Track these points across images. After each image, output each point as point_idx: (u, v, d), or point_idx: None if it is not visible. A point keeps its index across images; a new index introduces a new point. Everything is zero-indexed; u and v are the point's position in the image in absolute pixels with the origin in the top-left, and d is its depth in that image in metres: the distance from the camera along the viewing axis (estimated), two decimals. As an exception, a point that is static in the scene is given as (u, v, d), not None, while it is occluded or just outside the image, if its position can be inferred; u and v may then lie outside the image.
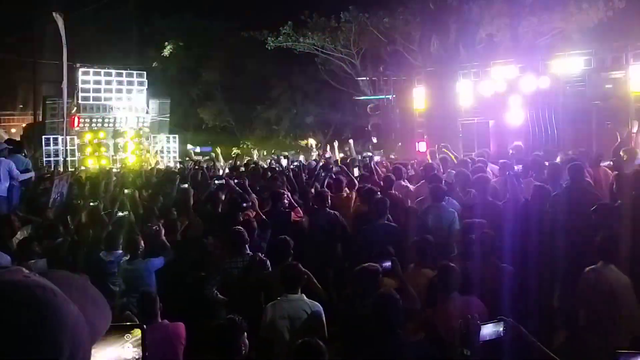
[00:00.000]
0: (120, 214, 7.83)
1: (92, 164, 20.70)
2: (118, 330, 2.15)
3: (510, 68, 14.00)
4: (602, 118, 12.19)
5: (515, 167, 9.16)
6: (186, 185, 10.02)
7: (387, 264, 5.17)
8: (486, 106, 14.41)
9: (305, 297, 5.13)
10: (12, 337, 0.85)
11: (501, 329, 3.59)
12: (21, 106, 32.34)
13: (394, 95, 17.56)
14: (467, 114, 14.77)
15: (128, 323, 2.36)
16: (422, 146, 15.40)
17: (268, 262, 6.08)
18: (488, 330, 3.56)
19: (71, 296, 0.96)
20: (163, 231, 7.15)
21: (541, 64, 13.28)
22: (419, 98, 16.13)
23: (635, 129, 11.14)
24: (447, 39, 16.43)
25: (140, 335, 2.20)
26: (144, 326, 2.28)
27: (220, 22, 29.93)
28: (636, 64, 11.63)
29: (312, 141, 22.10)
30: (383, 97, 18.96)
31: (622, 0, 18.21)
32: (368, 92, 22.26)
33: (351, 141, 16.38)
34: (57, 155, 20.29)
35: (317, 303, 5.15)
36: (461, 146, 14.00)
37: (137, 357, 2.17)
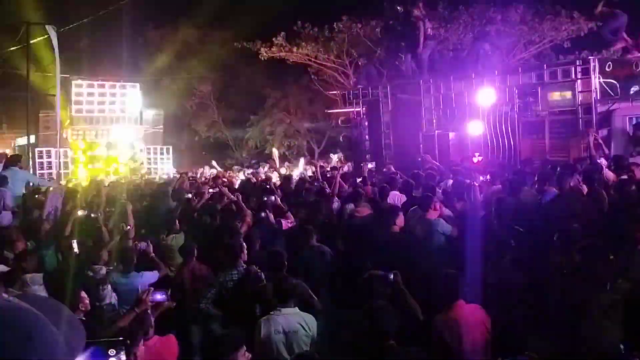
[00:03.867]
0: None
1: (85, 176, 20.62)
2: (102, 345, 2.14)
3: (469, 82, 14.46)
4: (554, 130, 12.70)
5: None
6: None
7: (391, 275, 5.22)
8: (447, 119, 14.84)
9: (298, 310, 5.12)
10: None
11: None
12: (5, 124, 31.54)
13: (364, 108, 17.98)
14: (430, 127, 15.18)
15: (112, 339, 2.34)
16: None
17: (263, 275, 6.05)
18: None
19: (48, 318, 0.99)
20: (151, 248, 7.13)
21: (498, 78, 13.70)
22: (386, 111, 16.57)
23: (585, 140, 11.57)
24: (413, 53, 16.77)
25: (124, 351, 2.18)
26: (128, 341, 2.26)
27: (214, 33, 29.97)
28: (583, 78, 12.17)
29: (275, 150, 21.77)
30: (353, 109, 19.29)
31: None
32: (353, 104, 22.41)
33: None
34: (50, 167, 20.22)
35: (310, 315, 5.14)
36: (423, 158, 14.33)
37: None
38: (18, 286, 5.65)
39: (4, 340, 0.89)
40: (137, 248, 7.05)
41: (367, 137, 17.54)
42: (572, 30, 19.94)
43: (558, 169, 9.12)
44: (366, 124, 17.66)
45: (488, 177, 10.08)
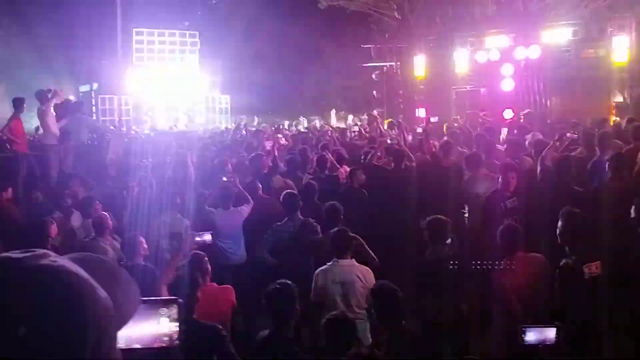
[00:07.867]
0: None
1: (146, 124, 21.02)
2: (154, 304, 2.13)
3: (502, 38, 14.30)
4: (587, 88, 12.35)
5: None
6: None
7: None
8: (479, 74, 14.85)
9: (356, 262, 5.13)
10: (38, 321, 0.86)
11: (552, 335, 3.49)
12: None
13: (398, 63, 17.83)
14: (462, 82, 15.05)
15: (165, 298, 2.34)
16: (421, 112, 15.92)
17: (319, 227, 6.06)
18: (537, 334, 3.47)
19: (99, 281, 0.96)
20: (237, 180, 7.24)
21: (532, 34, 13.41)
22: (420, 66, 16.48)
23: (617, 99, 11.48)
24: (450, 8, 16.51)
25: (177, 310, 2.16)
26: (180, 300, 2.25)
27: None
28: (619, 35, 11.68)
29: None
30: (387, 64, 19.19)
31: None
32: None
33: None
34: (112, 115, 20.72)
35: (367, 268, 5.14)
36: (454, 113, 14.31)
37: (173, 331, 2.13)
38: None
39: (44, 302, 0.87)
40: (225, 180, 7.26)
41: (400, 91, 17.64)
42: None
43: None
44: (400, 78, 17.72)
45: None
